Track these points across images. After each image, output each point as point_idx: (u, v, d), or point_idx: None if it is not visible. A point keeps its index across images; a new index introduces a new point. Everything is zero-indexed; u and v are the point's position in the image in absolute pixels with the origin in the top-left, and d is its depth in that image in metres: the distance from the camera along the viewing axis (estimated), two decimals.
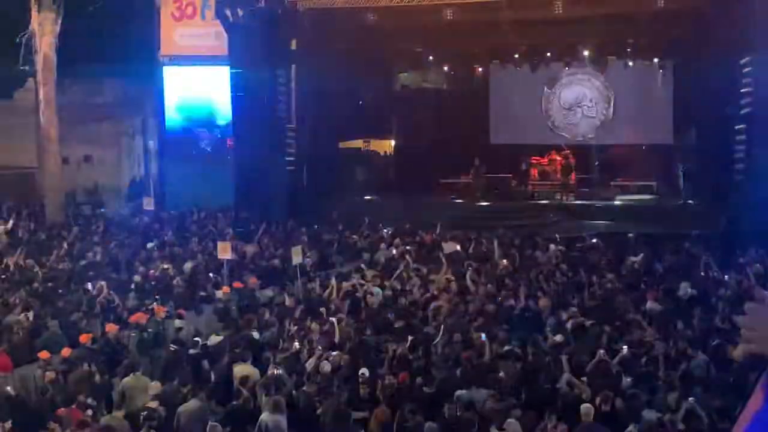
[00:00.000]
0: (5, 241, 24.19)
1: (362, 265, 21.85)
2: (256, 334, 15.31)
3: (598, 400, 11.35)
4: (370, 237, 25.46)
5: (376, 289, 18.66)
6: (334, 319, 15.69)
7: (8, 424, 11.28)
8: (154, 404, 11.78)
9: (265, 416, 11.48)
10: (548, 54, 33.58)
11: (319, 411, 11.96)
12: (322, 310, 16.85)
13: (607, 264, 21.44)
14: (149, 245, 24.15)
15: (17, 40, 28.74)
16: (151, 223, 28.02)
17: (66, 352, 14.03)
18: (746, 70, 26.97)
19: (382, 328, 15.85)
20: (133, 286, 19.22)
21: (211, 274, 20.36)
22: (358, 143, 36.92)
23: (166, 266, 20.61)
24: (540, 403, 11.60)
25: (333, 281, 19.11)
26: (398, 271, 20.42)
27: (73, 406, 11.72)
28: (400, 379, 12.48)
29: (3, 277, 19.69)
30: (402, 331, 15.45)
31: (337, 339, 15.00)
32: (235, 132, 32.00)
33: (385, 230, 25.93)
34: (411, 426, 11.03)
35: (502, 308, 17.00)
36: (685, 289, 18.05)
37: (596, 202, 30.73)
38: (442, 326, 15.32)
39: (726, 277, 19.06)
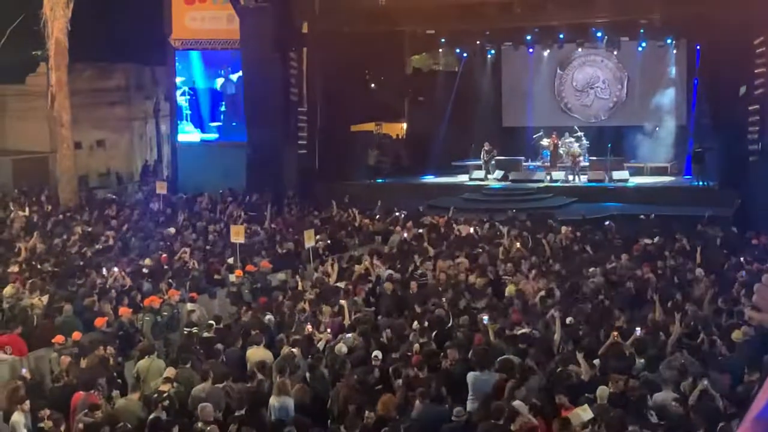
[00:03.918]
0: (22, 226, 24.24)
1: (375, 248, 21.92)
2: (269, 318, 15.35)
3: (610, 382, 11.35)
4: (383, 220, 25.45)
5: (389, 272, 18.68)
6: (344, 302, 15.73)
7: (27, 405, 11.34)
8: (167, 387, 11.84)
9: (272, 399, 11.56)
10: (560, 35, 33.43)
11: (331, 393, 12.00)
12: (336, 292, 16.90)
13: (621, 245, 21.36)
14: (162, 229, 24.18)
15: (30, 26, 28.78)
16: (163, 207, 28.05)
17: (76, 335, 14.08)
18: (760, 50, 26.81)
19: (395, 312, 15.86)
20: (146, 270, 19.25)
21: (230, 258, 20.33)
22: (370, 126, 36.92)
23: (185, 250, 20.64)
24: (551, 386, 11.60)
25: (336, 264, 19.13)
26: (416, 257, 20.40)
27: (93, 392, 11.75)
28: (413, 362, 12.49)
29: (18, 261, 19.74)
30: (415, 314, 15.47)
31: (347, 322, 15.05)
32: (246, 116, 32.00)
33: (397, 213, 25.90)
34: (423, 409, 11.05)
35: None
36: (697, 270, 18.01)
37: (609, 184, 30.68)
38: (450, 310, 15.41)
39: (742, 258, 18.97)
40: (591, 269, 18.55)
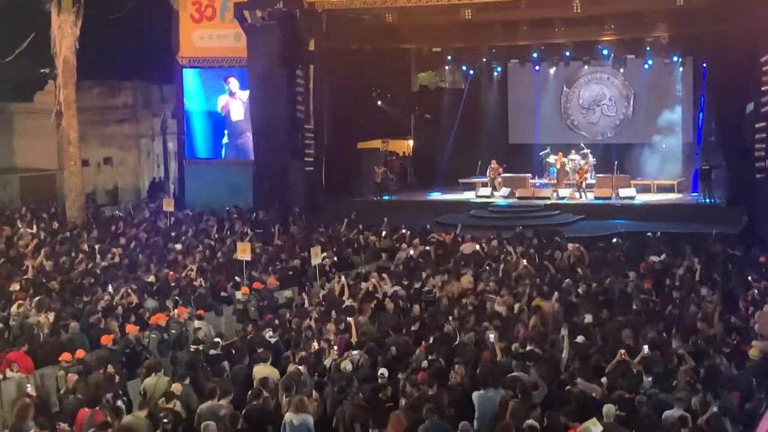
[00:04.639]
0: (29, 243, 24.28)
1: (381, 265, 21.90)
2: (275, 335, 15.31)
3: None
4: (390, 237, 25.42)
5: (396, 289, 18.64)
6: (351, 320, 15.70)
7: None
8: (173, 404, 11.81)
9: (289, 416, 11.51)
10: (567, 53, 33.51)
11: (337, 411, 11.95)
12: (341, 309, 16.86)
13: (628, 263, 21.28)
14: (170, 246, 24.18)
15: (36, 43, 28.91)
16: (171, 224, 28.07)
17: (80, 353, 14.07)
18: (766, 68, 26.78)
19: (401, 329, 15.81)
20: (153, 287, 19.26)
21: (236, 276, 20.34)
22: (376, 143, 36.99)
23: (192, 267, 20.65)
24: (557, 404, 11.55)
25: (343, 280, 19.06)
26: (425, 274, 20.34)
27: (97, 408, 11.73)
28: (419, 379, 12.45)
29: (25, 278, 19.76)
30: (422, 331, 15.44)
31: (354, 339, 15.01)
32: (253, 133, 32.08)
33: (404, 230, 25.86)
34: (429, 426, 11.00)
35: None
36: (705, 288, 17.94)
37: (616, 202, 30.63)
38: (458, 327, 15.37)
39: (749, 277, 18.88)
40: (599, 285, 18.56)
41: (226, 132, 34.10)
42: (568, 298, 17.47)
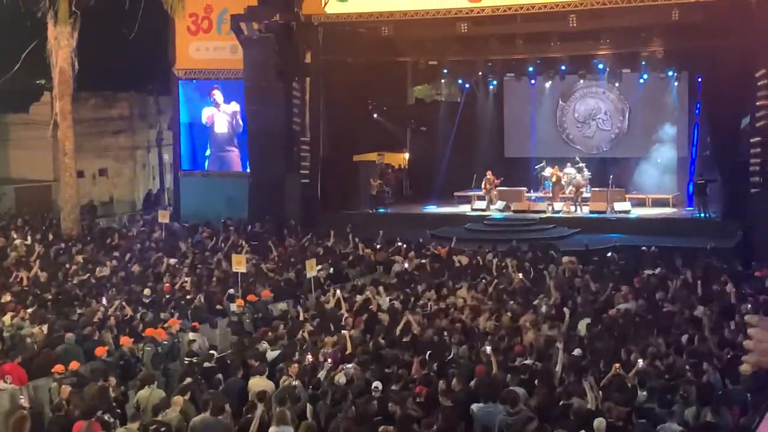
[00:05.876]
0: (22, 254, 24.25)
1: (377, 278, 21.86)
2: (269, 348, 15.27)
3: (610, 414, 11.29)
4: (385, 250, 25.40)
5: (391, 302, 18.61)
6: (346, 332, 15.66)
7: None
8: (166, 417, 11.76)
9: (272, 429, 11.47)
10: (562, 67, 33.60)
11: (330, 425, 11.91)
12: (337, 322, 16.83)
13: (623, 277, 21.26)
14: (165, 258, 24.12)
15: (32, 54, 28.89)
16: (165, 236, 28.04)
17: (74, 365, 14.03)
18: (761, 82, 26.88)
19: (396, 342, 15.78)
20: (147, 300, 19.21)
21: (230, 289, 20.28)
22: (372, 156, 37.02)
23: (186, 279, 20.63)
24: (551, 417, 11.53)
25: (338, 293, 19.01)
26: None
27: (93, 420, 11.67)
28: (416, 392, 12.41)
29: (18, 290, 19.70)
30: (416, 344, 15.41)
31: (348, 352, 14.96)
32: (249, 145, 32.09)
33: (399, 243, 25.85)
34: None
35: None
36: (699, 303, 17.91)
37: (611, 215, 30.64)
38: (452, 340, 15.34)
39: (743, 291, 18.88)
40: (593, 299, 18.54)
41: (208, 144, 34.19)
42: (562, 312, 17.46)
